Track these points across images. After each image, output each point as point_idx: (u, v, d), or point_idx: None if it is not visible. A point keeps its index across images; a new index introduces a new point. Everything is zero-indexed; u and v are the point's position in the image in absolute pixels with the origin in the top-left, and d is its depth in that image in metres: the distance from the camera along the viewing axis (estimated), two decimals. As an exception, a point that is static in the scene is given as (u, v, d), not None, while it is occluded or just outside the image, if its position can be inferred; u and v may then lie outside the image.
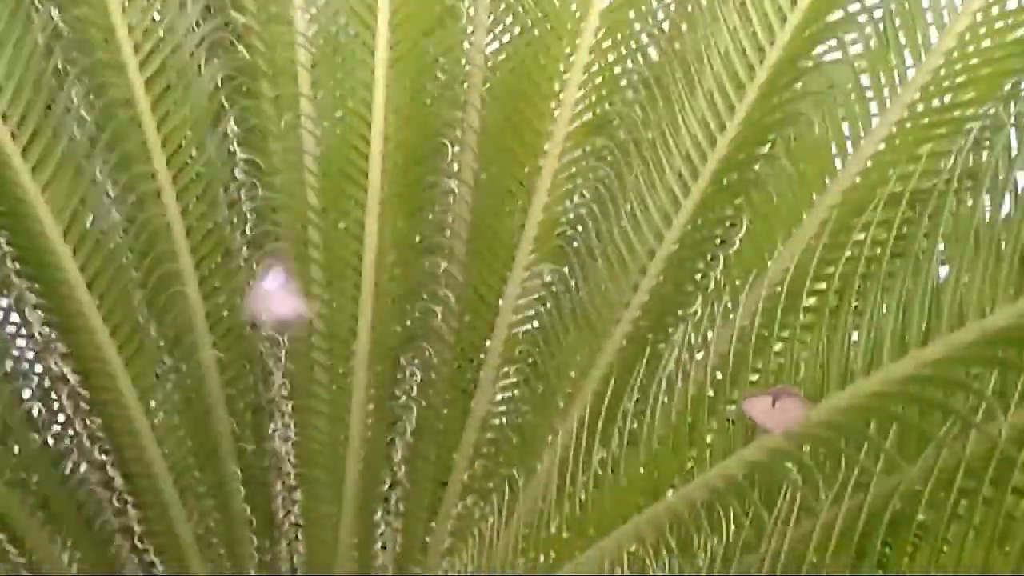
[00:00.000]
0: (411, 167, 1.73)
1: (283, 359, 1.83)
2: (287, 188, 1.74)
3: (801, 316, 1.27)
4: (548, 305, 1.80)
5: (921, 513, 1.01)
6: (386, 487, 1.91)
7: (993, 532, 0.92)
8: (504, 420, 1.86)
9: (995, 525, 0.92)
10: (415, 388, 1.87)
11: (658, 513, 1.19)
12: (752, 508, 1.06)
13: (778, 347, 1.33)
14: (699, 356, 1.56)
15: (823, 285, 1.41)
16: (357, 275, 1.75)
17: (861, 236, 1.38)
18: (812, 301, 1.38)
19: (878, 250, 1.27)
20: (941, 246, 1.09)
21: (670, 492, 1.20)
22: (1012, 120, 1.32)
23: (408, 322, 1.84)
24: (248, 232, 1.77)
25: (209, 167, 1.70)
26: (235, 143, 1.72)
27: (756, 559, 1.07)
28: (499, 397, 1.85)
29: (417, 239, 1.80)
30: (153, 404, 1.73)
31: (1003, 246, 0.99)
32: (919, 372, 0.88)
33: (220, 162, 1.72)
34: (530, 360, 1.82)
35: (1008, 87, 1.44)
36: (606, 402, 1.53)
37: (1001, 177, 1.20)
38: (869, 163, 1.54)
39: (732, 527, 1.07)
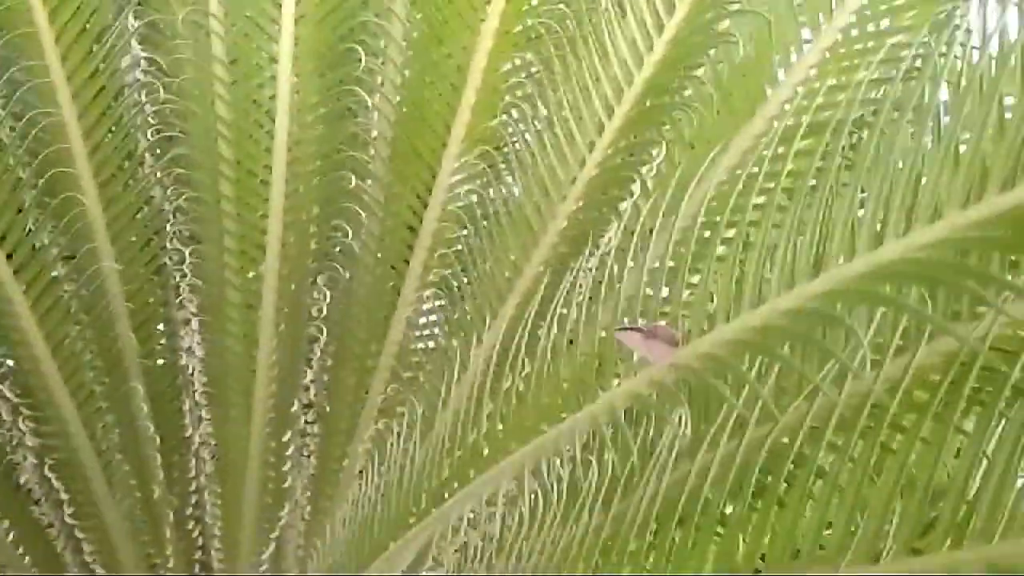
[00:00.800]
0: (326, 73, 1.64)
1: (190, 274, 1.76)
2: (192, 92, 1.64)
3: (717, 248, 1.21)
4: (468, 228, 1.73)
5: (804, 447, 0.98)
6: (300, 408, 1.86)
7: (868, 464, 0.90)
8: (421, 344, 1.81)
9: (870, 457, 0.89)
10: (330, 309, 1.81)
11: (544, 445, 1.15)
12: (637, 442, 1.03)
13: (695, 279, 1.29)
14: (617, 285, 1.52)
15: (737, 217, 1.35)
16: (267, 188, 1.67)
17: (775, 167, 1.32)
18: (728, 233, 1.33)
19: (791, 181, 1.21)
20: (835, 179, 1.03)
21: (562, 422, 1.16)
22: (943, 49, 1.26)
23: (322, 241, 1.77)
24: (151, 136, 1.67)
25: (109, 63, 1.59)
26: (135, 40, 1.61)
27: (635, 500, 1.04)
28: (416, 321, 1.80)
29: (333, 154, 1.72)
30: (47, 313, 1.65)
31: (898, 177, 0.93)
32: (804, 306, 0.84)
33: (121, 60, 1.61)
34: (448, 284, 1.76)
35: (943, 15, 1.38)
36: (521, 329, 1.48)
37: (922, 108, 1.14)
38: (799, 90, 1.47)
39: (613, 466, 1.04)
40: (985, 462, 0.94)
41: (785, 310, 0.86)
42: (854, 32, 1.45)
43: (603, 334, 1.28)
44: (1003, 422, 0.95)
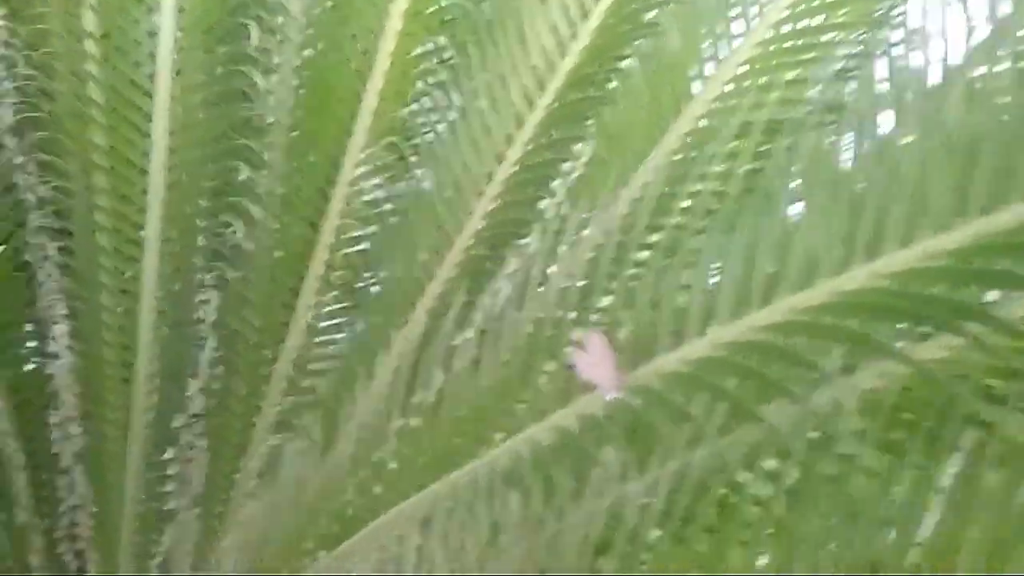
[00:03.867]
0: (214, 50, 1.47)
1: (57, 273, 1.56)
2: (59, 69, 1.45)
3: (639, 254, 1.11)
4: (374, 226, 1.59)
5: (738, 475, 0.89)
6: (184, 421, 1.68)
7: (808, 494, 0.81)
8: (321, 351, 1.66)
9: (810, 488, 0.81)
10: (219, 313, 1.64)
11: (460, 480, 1.03)
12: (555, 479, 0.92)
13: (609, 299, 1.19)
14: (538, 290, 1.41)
15: (669, 220, 1.26)
16: (146, 178, 1.49)
17: (712, 168, 1.23)
18: (654, 238, 1.23)
19: (728, 185, 1.12)
20: (793, 186, 0.94)
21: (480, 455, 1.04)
22: (882, 50, 1.19)
23: (211, 237, 1.60)
24: (12, 117, 1.47)
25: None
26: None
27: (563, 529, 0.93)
28: (316, 327, 1.65)
29: (222, 141, 1.55)
30: None
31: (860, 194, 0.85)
32: (754, 337, 0.74)
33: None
34: (352, 287, 1.62)
35: (881, 11, 1.31)
36: (431, 339, 1.36)
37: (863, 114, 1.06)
38: (729, 87, 1.38)
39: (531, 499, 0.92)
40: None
41: (729, 342, 0.75)
42: (786, 28, 1.37)
43: (524, 346, 1.17)
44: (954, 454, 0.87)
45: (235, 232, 1.58)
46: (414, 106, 1.56)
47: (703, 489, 0.96)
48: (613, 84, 1.45)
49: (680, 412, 0.80)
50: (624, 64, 1.44)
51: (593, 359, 0.80)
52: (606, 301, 1.11)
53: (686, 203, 1.23)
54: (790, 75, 1.36)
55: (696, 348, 0.78)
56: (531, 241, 1.37)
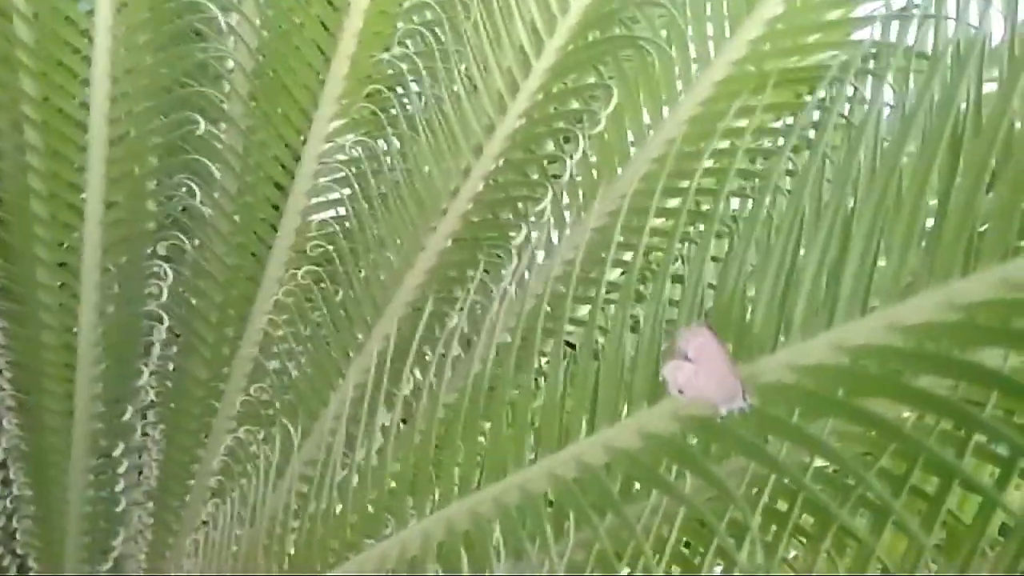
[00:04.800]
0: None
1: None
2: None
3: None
4: (355, 187, 1.39)
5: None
6: (136, 413, 1.48)
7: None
8: (292, 332, 1.46)
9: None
10: (173, 288, 1.43)
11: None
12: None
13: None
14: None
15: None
16: (84, 133, 1.27)
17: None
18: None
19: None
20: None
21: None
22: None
23: (163, 201, 1.39)
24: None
25: None
26: None
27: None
28: (286, 303, 1.45)
29: (175, 88, 1.33)
30: None
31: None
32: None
33: None
34: (328, 258, 1.42)
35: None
36: (423, 320, 1.18)
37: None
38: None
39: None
40: None
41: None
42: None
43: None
44: None
45: (191, 195, 1.37)
46: (399, 50, 1.35)
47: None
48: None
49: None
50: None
51: (699, 363, 0.63)
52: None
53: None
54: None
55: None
56: (546, 208, 1.19)
